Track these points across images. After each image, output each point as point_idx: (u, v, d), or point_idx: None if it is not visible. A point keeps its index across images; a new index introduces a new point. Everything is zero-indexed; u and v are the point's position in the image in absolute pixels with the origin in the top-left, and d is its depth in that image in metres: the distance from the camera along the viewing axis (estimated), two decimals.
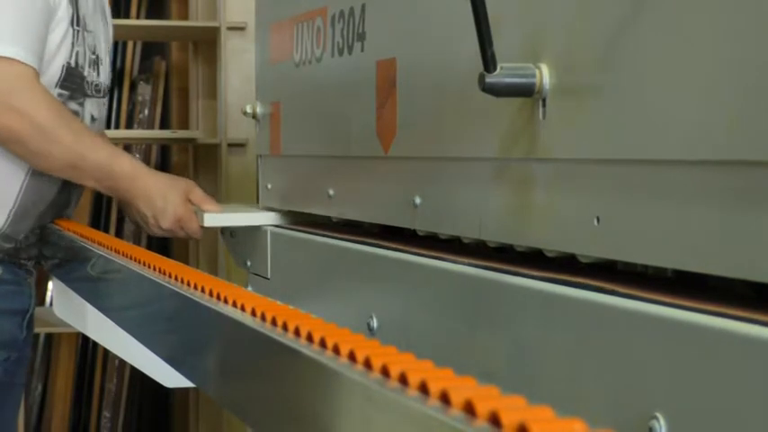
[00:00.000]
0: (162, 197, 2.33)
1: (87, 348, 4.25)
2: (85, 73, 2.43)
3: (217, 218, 2.19)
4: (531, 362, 1.22)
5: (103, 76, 2.50)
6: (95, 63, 2.47)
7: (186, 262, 3.77)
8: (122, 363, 4.11)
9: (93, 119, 2.48)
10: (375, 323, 1.61)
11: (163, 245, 4.13)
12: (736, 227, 0.97)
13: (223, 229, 2.35)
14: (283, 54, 2.12)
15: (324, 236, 1.83)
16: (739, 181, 0.97)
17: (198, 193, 2.34)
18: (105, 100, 2.55)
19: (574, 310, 1.14)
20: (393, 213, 1.64)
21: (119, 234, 4.18)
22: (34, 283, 2.57)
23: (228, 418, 3.69)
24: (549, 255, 1.26)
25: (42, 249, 2.49)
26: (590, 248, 1.18)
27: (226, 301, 1.25)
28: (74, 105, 2.41)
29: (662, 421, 1.00)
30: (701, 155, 1.01)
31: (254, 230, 2.15)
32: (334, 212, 1.91)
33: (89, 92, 2.45)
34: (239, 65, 3.73)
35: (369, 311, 1.63)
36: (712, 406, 0.94)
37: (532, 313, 1.22)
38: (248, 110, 2.27)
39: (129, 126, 4.23)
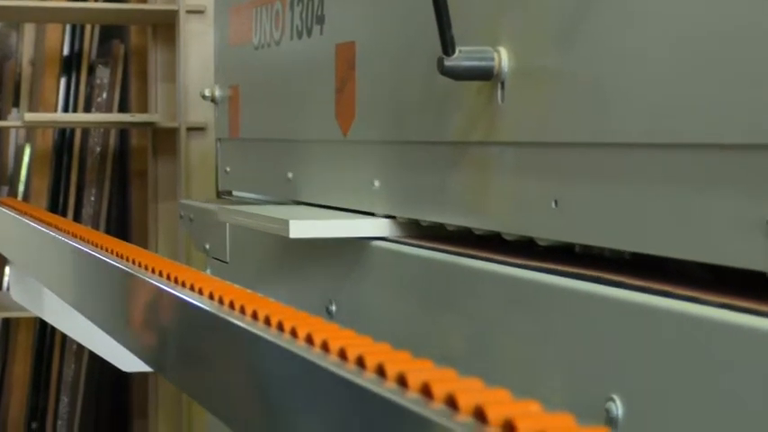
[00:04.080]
0: None
1: (45, 333, 4.23)
2: None
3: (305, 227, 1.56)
4: (489, 345, 1.22)
5: None
6: None
7: (145, 246, 3.75)
8: (81, 347, 4.09)
9: None
10: (334, 307, 1.61)
11: (122, 229, 4.11)
12: (693, 209, 0.97)
13: (182, 213, 2.34)
14: (242, 37, 2.11)
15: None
16: (695, 164, 0.97)
17: None
18: None
19: (531, 294, 1.15)
20: (352, 197, 1.64)
21: (77, 218, 4.16)
22: None
23: (188, 402, 3.68)
24: (508, 238, 1.26)
25: None
26: (548, 231, 1.18)
27: (183, 285, 1.24)
28: None
29: (618, 403, 1.00)
30: (658, 138, 1.01)
31: (213, 214, 2.14)
32: (293, 196, 1.91)
33: None
34: (198, 48, 3.72)
35: (328, 296, 1.63)
36: (668, 388, 0.95)
37: (490, 297, 1.22)
38: (207, 93, 2.26)
39: (87, 110, 4.20)
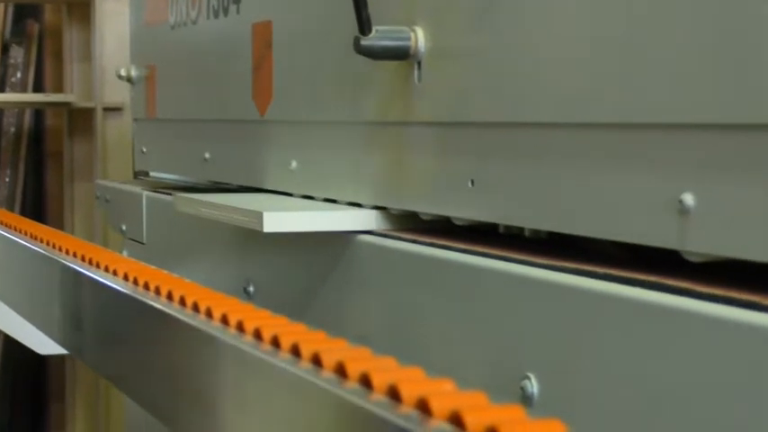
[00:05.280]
0: None
1: None
2: None
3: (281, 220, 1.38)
4: (405, 324, 1.23)
5: None
6: None
7: (61, 228, 3.72)
8: None
9: None
10: (252, 288, 1.61)
11: (37, 211, 4.06)
12: (607, 189, 0.98)
13: (98, 194, 2.32)
14: (158, 16, 2.09)
15: None
16: (609, 144, 0.98)
17: None
18: None
19: (447, 273, 1.15)
20: (269, 177, 1.64)
21: None
22: None
23: (106, 385, 3.65)
24: (425, 218, 1.27)
25: None
26: (464, 211, 1.18)
27: (98, 266, 1.23)
28: None
29: (534, 381, 1.01)
30: (572, 118, 1.02)
31: (130, 195, 2.12)
32: (210, 176, 1.90)
33: None
34: (114, 27, 3.68)
35: (246, 276, 1.62)
36: (583, 366, 0.95)
37: (407, 276, 1.22)
38: (123, 73, 2.24)
39: (1, 90, 4.14)
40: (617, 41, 0.96)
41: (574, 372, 0.97)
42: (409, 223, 1.32)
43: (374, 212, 1.34)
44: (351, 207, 1.40)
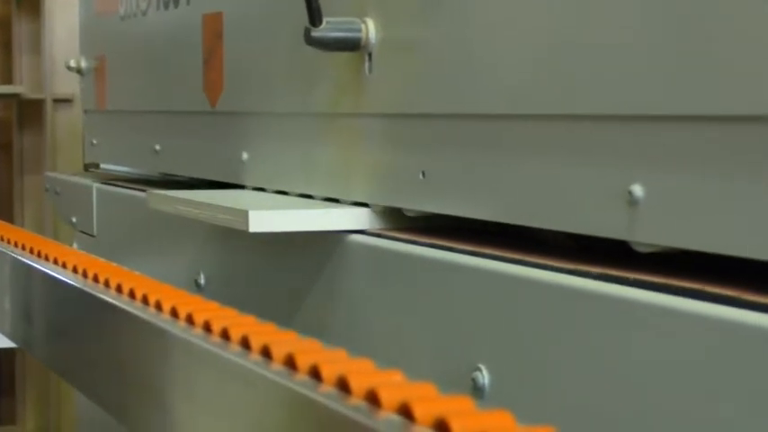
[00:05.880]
0: None
1: None
2: None
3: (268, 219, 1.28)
4: (356, 316, 1.23)
5: None
6: None
7: (11, 220, 3.69)
8: None
9: None
10: (203, 279, 1.60)
11: None
12: (557, 180, 0.98)
13: (48, 186, 2.30)
14: (108, 7, 2.08)
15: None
16: (559, 135, 0.98)
17: None
18: None
19: (398, 264, 1.15)
20: (220, 169, 1.63)
21: None
22: None
23: (57, 379, 3.63)
24: (375, 210, 1.26)
25: None
26: (416, 203, 1.18)
27: (48, 259, 1.22)
28: None
29: (485, 372, 1.01)
30: (522, 109, 1.02)
31: (80, 187, 2.11)
32: (161, 168, 1.89)
33: None
34: (65, 17, 3.65)
35: (197, 268, 1.61)
36: (534, 357, 0.96)
37: (357, 267, 1.22)
38: (72, 64, 2.23)
39: None
40: (566, 33, 0.96)
41: (525, 363, 0.97)
42: (406, 222, 1.22)
43: (366, 211, 1.25)
44: (338, 205, 1.30)
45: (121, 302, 0.97)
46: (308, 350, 0.72)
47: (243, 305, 0.95)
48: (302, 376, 0.69)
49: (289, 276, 1.38)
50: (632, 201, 0.89)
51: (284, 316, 1.35)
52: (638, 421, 0.85)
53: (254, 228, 1.24)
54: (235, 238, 1.50)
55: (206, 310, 0.87)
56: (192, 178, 1.82)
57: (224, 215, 1.31)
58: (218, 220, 1.33)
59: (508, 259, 1.02)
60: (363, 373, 0.66)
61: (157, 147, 1.86)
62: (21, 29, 3.93)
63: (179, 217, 1.59)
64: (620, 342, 0.86)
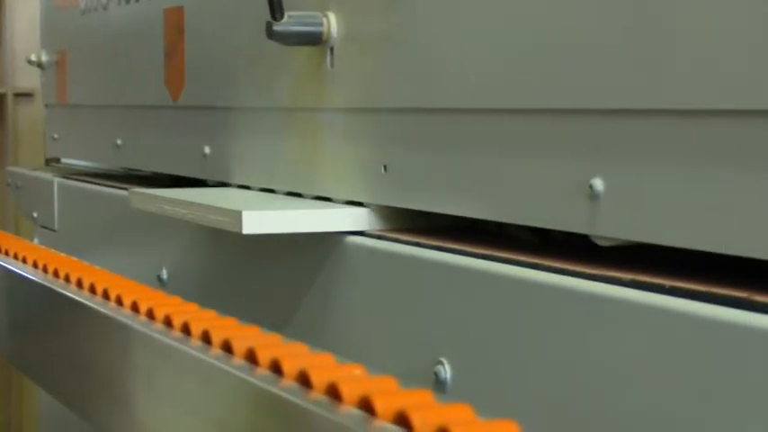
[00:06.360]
0: None
1: None
2: None
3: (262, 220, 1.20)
4: (318, 311, 1.22)
5: None
6: None
7: None
8: None
9: None
10: (165, 275, 1.60)
11: None
12: (518, 174, 0.98)
13: (9, 181, 2.29)
14: (69, 1, 2.07)
15: (112, 187, 1.80)
16: (519, 129, 0.98)
17: None
18: None
19: (359, 258, 1.15)
20: (182, 164, 1.62)
21: None
22: None
23: (18, 373, 3.61)
24: (337, 203, 1.26)
25: None
26: (377, 197, 1.18)
27: (8, 254, 1.22)
28: None
29: (447, 366, 1.01)
30: (483, 103, 1.02)
31: (41, 182, 2.10)
32: (123, 163, 1.88)
33: None
34: (26, 11, 3.63)
35: (160, 263, 1.61)
36: (496, 351, 0.96)
37: (318, 261, 1.22)
38: (33, 58, 2.21)
39: None
40: (527, 28, 0.97)
41: (487, 357, 0.97)
42: (405, 223, 1.19)
43: (364, 211, 1.19)
44: (333, 204, 1.24)
45: (82, 298, 0.97)
46: (269, 345, 0.72)
47: (206, 301, 0.94)
48: (263, 371, 0.69)
49: (249, 272, 1.37)
50: (593, 195, 0.89)
51: (248, 310, 1.34)
52: (597, 413, 0.85)
53: (248, 229, 1.17)
54: (198, 232, 1.50)
55: (167, 305, 0.87)
56: (154, 173, 1.81)
57: (215, 216, 1.23)
58: (208, 221, 1.25)
59: (470, 254, 1.02)
60: (324, 368, 0.66)
61: (119, 141, 1.85)
62: None
63: (142, 212, 1.58)
64: (579, 336, 0.87)
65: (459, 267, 1.01)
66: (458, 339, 1.01)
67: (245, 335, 0.75)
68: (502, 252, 1.00)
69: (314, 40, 1.24)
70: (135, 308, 0.89)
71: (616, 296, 0.84)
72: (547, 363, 0.90)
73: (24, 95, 3.73)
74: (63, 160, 2.30)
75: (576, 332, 0.87)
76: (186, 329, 0.80)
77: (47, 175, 2.08)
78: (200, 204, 1.27)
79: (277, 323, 1.28)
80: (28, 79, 3.66)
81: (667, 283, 0.82)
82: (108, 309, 0.92)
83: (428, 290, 1.05)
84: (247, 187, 1.45)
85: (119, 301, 0.93)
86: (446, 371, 1.01)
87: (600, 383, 0.85)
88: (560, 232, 0.96)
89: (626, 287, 0.84)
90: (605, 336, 0.85)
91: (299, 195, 1.33)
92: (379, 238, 1.15)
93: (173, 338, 0.80)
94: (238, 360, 0.72)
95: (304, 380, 0.65)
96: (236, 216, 1.17)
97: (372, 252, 1.13)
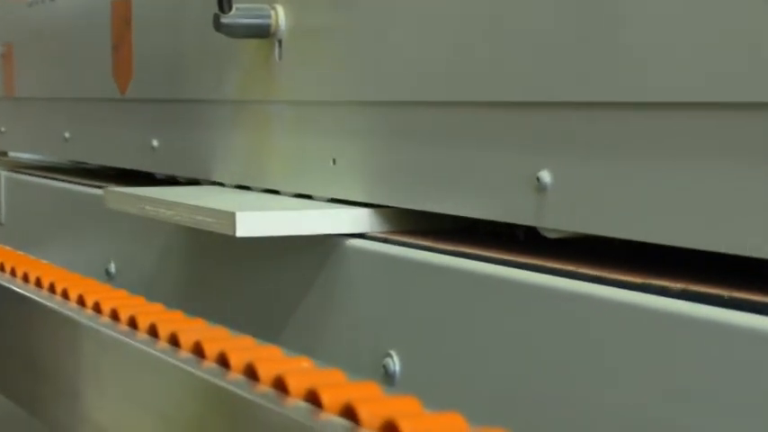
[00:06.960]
0: None
1: None
2: None
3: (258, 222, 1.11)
4: (267, 305, 1.22)
5: None
6: None
7: None
8: None
9: None
10: (113, 268, 1.59)
11: None
12: (466, 166, 0.98)
13: None
14: None
15: (60, 180, 1.79)
16: (468, 121, 0.98)
17: None
18: None
19: (309, 251, 1.15)
20: (131, 156, 1.62)
21: None
22: None
23: None
24: (286, 195, 1.26)
25: None
26: (327, 189, 1.18)
27: None
28: None
29: (395, 359, 1.01)
30: (430, 96, 1.02)
31: None
32: (71, 156, 1.87)
33: None
34: None
35: (107, 257, 1.60)
36: (445, 344, 0.96)
37: (267, 256, 1.22)
38: None
39: None
40: (473, 21, 0.97)
41: (435, 350, 0.97)
42: (405, 224, 1.12)
43: (366, 211, 1.11)
44: (331, 205, 1.16)
45: (29, 292, 0.96)
46: (216, 338, 0.72)
47: (154, 294, 0.94)
48: (210, 364, 0.69)
49: (197, 266, 1.37)
50: (540, 187, 0.90)
51: (195, 304, 1.34)
52: (543, 405, 0.85)
53: (242, 232, 1.08)
54: (147, 225, 1.49)
55: (114, 298, 0.87)
56: (102, 166, 1.80)
57: (204, 217, 1.13)
58: (197, 223, 1.15)
59: (419, 246, 1.02)
60: (271, 361, 0.66)
61: (67, 134, 1.84)
62: None
63: (89, 205, 1.57)
64: (528, 328, 0.87)
65: (409, 260, 1.01)
66: (406, 332, 1.01)
67: (192, 328, 0.75)
68: (453, 245, 1.00)
69: (262, 32, 1.24)
70: (81, 302, 0.88)
71: (561, 287, 0.84)
72: (495, 355, 0.91)
73: None
74: (10, 153, 2.28)
75: (525, 324, 0.88)
76: (133, 323, 0.79)
77: None
78: (186, 205, 1.17)
79: (224, 316, 1.27)
80: None
81: (611, 275, 0.83)
82: (54, 303, 0.91)
83: (377, 282, 1.05)
84: (197, 181, 1.45)
85: (65, 295, 0.92)
86: (395, 363, 1.01)
87: (546, 375, 0.85)
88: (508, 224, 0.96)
89: (572, 279, 0.84)
90: (553, 327, 0.85)
91: (247, 188, 1.33)
92: (354, 237, 1.14)
93: (119, 332, 0.79)
94: (185, 353, 0.72)
95: (251, 373, 0.65)
96: (229, 217, 1.08)
97: (322, 244, 1.13)
